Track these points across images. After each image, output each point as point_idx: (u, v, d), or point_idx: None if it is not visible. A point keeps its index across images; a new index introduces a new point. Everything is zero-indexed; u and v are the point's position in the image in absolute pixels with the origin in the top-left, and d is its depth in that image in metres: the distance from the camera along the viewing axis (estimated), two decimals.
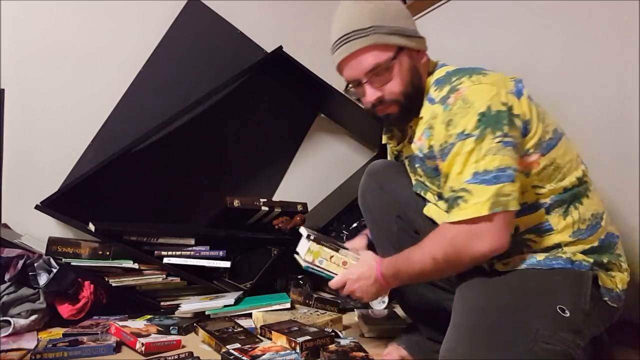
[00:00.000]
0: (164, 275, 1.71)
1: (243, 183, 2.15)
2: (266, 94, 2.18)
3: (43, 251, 1.61)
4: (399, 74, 1.10)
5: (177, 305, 1.66)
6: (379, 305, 1.71)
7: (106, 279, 1.63)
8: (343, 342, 1.36)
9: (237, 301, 1.67)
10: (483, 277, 1.05)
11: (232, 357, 1.22)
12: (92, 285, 1.60)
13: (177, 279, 1.73)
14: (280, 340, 1.34)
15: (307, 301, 1.72)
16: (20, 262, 1.52)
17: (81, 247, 1.64)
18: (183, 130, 1.99)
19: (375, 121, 1.21)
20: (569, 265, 1.03)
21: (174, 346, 1.35)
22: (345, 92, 1.20)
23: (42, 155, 1.86)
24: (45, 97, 1.87)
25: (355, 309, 1.70)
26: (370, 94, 1.11)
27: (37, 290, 1.52)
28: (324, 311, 1.65)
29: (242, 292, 1.76)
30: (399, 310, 1.63)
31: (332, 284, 1.16)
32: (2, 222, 1.56)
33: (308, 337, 1.30)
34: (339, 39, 1.11)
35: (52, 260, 1.55)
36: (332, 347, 1.30)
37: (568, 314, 0.96)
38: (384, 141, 1.35)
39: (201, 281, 1.77)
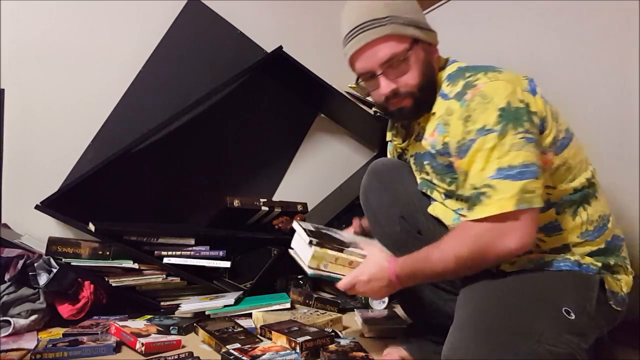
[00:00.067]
0: (164, 275, 1.71)
1: (243, 183, 2.15)
2: (266, 94, 2.18)
3: (43, 251, 1.60)
4: (414, 66, 1.08)
5: (177, 305, 1.66)
6: (379, 305, 1.71)
7: (106, 279, 1.63)
8: (343, 342, 1.36)
9: (237, 301, 1.67)
10: (489, 277, 1.03)
11: (232, 357, 1.22)
12: (92, 285, 1.60)
13: (177, 279, 1.73)
14: (280, 340, 1.34)
15: (307, 301, 1.72)
16: (20, 262, 1.52)
17: (81, 247, 1.64)
18: (183, 130, 1.99)
19: (383, 116, 1.20)
20: (577, 268, 1.03)
21: (174, 346, 1.35)
22: (356, 85, 1.18)
23: (42, 155, 1.86)
24: (45, 97, 1.87)
25: (355, 309, 1.70)
26: (385, 86, 1.09)
27: (37, 290, 1.52)
28: (324, 311, 1.65)
29: (242, 292, 1.76)
30: (399, 310, 1.63)
31: (341, 286, 1.10)
32: (2, 222, 1.57)
33: (308, 337, 1.30)
34: (353, 28, 1.08)
35: (52, 260, 1.55)
36: (332, 347, 1.30)
37: (573, 317, 0.96)
38: (388, 138, 1.33)
39: (201, 281, 1.77)
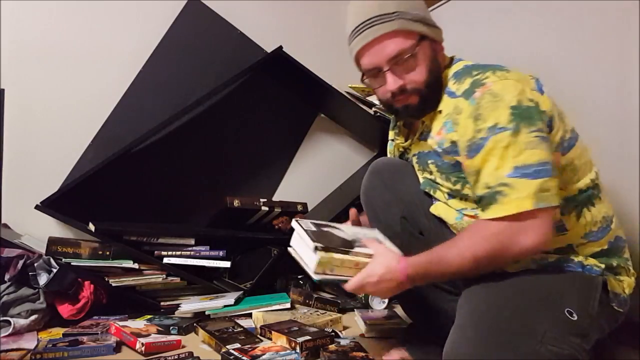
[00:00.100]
0: (164, 275, 1.71)
1: (243, 183, 2.15)
2: (266, 94, 2.18)
3: (43, 251, 1.60)
4: (422, 62, 1.07)
5: (177, 305, 1.66)
6: (379, 305, 1.71)
7: (106, 279, 1.63)
8: (343, 342, 1.36)
9: (237, 301, 1.67)
10: (491, 277, 1.03)
11: (232, 357, 1.22)
12: (92, 285, 1.60)
13: (177, 279, 1.73)
14: (280, 340, 1.34)
15: (307, 301, 1.72)
16: (20, 262, 1.52)
17: (81, 247, 1.64)
18: (183, 130, 1.99)
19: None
20: (580, 269, 1.03)
21: (174, 346, 1.35)
22: (361, 81, 1.16)
23: (42, 155, 1.86)
24: (45, 97, 1.86)
25: (355, 309, 1.70)
26: (392, 82, 1.08)
27: (37, 290, 1.52)
28: (324, 311, 1.65)
29: (242, 292, 1.76)
30: (399, 310, 1.63)
31: (349, 288, 1.07)
32: (2, 222, 1.56)
33: (308, 337, 1.30)
34: (360, 24, 1.07)
35: (52, 260, 1.55)
36: (332, 347, 1.30)
37: (576, 318, 0.96)
38: (390, 137, 1.33)
39: (201, 281, 1.77)
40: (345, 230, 1.18)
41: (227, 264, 1.77)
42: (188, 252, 1.75)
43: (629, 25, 1.34)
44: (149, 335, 1.39)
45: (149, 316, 1.60)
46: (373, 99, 2.05)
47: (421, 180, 1.21)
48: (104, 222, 1.69)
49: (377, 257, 1.05)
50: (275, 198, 2.17)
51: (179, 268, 1.73)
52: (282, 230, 1.93)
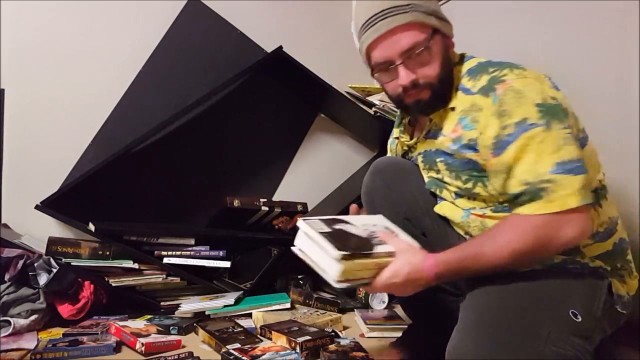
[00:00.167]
0: (164, 275, 1.71)
1: (243, 183, 2.15)
2: (266, 94, 2.18)
3: (43, 251, 1.61)
4: (435, 57, 1.05)
5: (177, 305, 1.66)
6: (379, 305, 1.71)
7: (106, 279, 1.63)
8: (343, 342, 1.36)
9: (237, 301, 1.67)
10: (496, 278, 1.02)
11: (232, 357, 1.22)
12: (92, 285, 1.60)
13: (177, 279, 1.73)
14: (280, 340, 1.34)
15: (307, 301, 1.72)
16: (20, 262, 1.52)
17: (81, 247, 1.64)
18: (183, 130, 1.99)
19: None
20: (586, 271, 1.03)
21: (174, 346, 1.35)
22: (371, 76, 1.14)
23: (42, 155, 1.86)
24: (45, 97, 1.86)
25: (355, 309, 1.70)
26: (405, 76, 1.05)
27: (37, 290, 1.52)
28: (324, 311, 1.65)
29: (242, 292, 1.76)
30: (399, 310, 1.63)
31: (373, 290, 1.02)
32: (2, 222, 1.56)
33: (308, 337, 1.30)
34: (373, 15, 1.05)
35: (52, 260, 1.55)
36: (332, 347, 1.30)
37: (580, 319, 0.95)
38: (395, 135, 1.31)
39: (201, 281, 1.77)
40: (355, 223, 1.10)
41: (227, 264, 1.77)
42: (188, 252, 1.75)
43: (629, 25, 1.34)
44: (149, 335, 1.39)
45: (149, 316, 1.60)
46: (373, 98, 2.05)
47: (426, 179, 1.20)
48: (104, 222, 1.69)
49: (400, 256, 1.00)
50: (275, 198, 2.17)
51: (179, 268, 1.73)
52: (282, 230, 1.93)
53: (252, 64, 1.96)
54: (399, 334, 1.39)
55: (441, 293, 1.24)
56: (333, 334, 1.40)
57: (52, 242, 1.62)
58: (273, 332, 1.38)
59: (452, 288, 1.22)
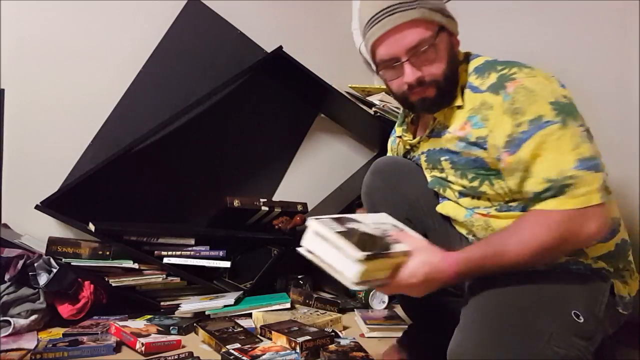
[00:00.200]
0: (164, 275, 1.71)
1: (243, 183, 2.15)
2: (266, 94, 2.18)
3: (43, 251, 1.60)
4: (441, 54, 1.04)
5: (177, 305, 1.66)
6: (379, 305, 1.71)
7: (106, 279, 1.63)
8: (343, 342, 1.36)
9: (237, 301, 1.67)
10: (498, 278, 1.01)
11: (232, 357, 1.22)
12: (92, 285, 1.60)
13: (177, 279, 1.73)
14: (280, 340, 1.34)
15: (307, 301, 1.72)
16: (20, 262, 1.52)
17: (81, 247, 1.64)
18: (183, 130, 1.99)
19: (402, 105, 1.13)
20: (589, 272, 1.02)
21: (174, 346, 1.35)
22: (376, 73, 1.12)
23: (42, 155, 1.85)
24: (45, 97, 1.86)
25: (355, 309, 1.70)
26: (410, 74, 1.04)
27: (37, 290, 1.52)
28: (324, 311, 1.65)
29: (242, 292, 1.76)
30: (399, 310, 1.63)
31: (390, 291, 0.98)
32: (2, 222, 1.56)
33: (308, 337, 1.30)
34: (379, 11, 1.03)
35: (52, 260, 1.55)
36: (332, 347, 1.30)
37: (582, 320, 0.95)
38: (397, 133, 1.29)
39: (201, 281, 1.77)
40: (365, 222, 1.06)
41: (227, 264, 1.77)
42: (188, 252, 1.75)
43: (629, 24, 1.34)
44: (149, 335, 1.39)
45: (149, 316, 1.60)
46: (373, 98, 2.05)
47: (429, 178, 1.19)
48: (104, 222, 1.69)
49: (417, 255, 0.95)
50: (275, 198, 2.17)
51: (179, 268, 1.73)
52: (282, 230, 1.93)
53: (252, 64, 1.96)
54: (399, 334, 1.39)
55: (441, 293, 1.23)
56: (333, 334, 1.40)
57: (52, 242, 1.62)
58: (273, 332, 1.38)
59: (452, 288, 1.21)
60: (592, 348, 0.97)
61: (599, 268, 1.03)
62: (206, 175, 2.09)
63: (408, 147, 1.25)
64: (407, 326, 1.46)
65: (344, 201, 2.02)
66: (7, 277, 1.51)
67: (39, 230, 1.75)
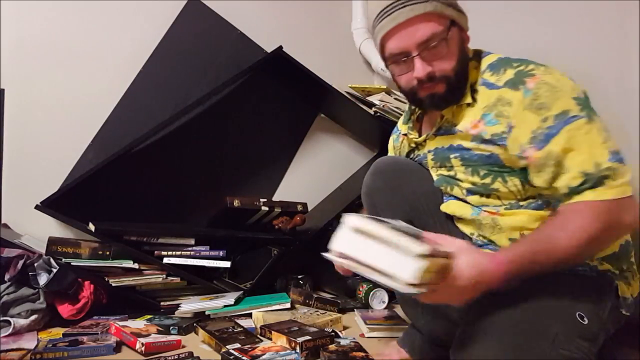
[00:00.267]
0: (164, 275, 1.71)
1: (243, 183, 2.15)
2: (266, 94, 2.18)
3: (43, 251, 1.60)
4: (452, 49, 1.02)
5: (177, 305, 1.66)
6: (379, 305, 1.71)
7: (106, 279, 1.63)
8: (343, 342, 1.36)
9: (237, 301, 1.67)
10: None
11: (232, 357, 1.22)
12: (92, 285, 1.60)
13: (177, 279, 1.73)
14: (280, 340, 1.34)
15: (307, 301, 1.72)
16: (20, 262, 1.52)
17: (81, 247, 1.64)
18: (183, 130, 1.99)
19: (410, 101, 1.11)
20: (595, 274, 1.02)
21: (174, 346, 1.35)
22: (385, 67, 1.10)
23: (42, 155, 1.85)
24: (45, 97, 1.86)
25: (355, 309, 1.70)
26: (421, 69, 1.01)
27: (37, 290, 1.52)
28: (324, 311, 1.65)
29: (242, 292, 1.76)
30: (399, 310, 1.63)
31: (438, 299, 0.89)
32: (2, 222, 1.56)
33: (308, 337, 1.30)
34: (391, 3, 1.01)
35: (52, 260, 1.55)
36: (332, 347, 1.30)
37: (586, 322, 0.95)
38: (403, 131, 1.27)
39: (201, 281, 1.77)
40: (395, 223, 0.97)
41: (227, 264, 1.77)
42: (188, 252, 1.75)
43: (629, 25, 1.34)
44: (149, 335, 1.39)
45: (149, 316, 1.60)
46: (373, 98, 2.05)
47: (435, 177, 1.18)
48: (104, 222, 1.69)
49: (462, 256, 0.87)
50: (275, 198, 2.17)
51: (179, 268, 1.73)
52: (282, 230, 1.93)
53: (252, 64, 1.96)
54: (399, 334, 1.39)
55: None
56: (333, 334, 1.40)
57: (52, 242, 1.62)
58: (273, 332, 1.38)
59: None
60: (595, 349, 0.97)
61: (604, 270, 1.03)
62: (206, 175, 2.09)
63: (413, 145, 1.24)
64: (407, 326, 1.46)
65: (344, 201, 2.02)
66: (7, 277, 1.51)
67: (39, 230, 1.75)
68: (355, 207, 1.93)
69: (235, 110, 2.12)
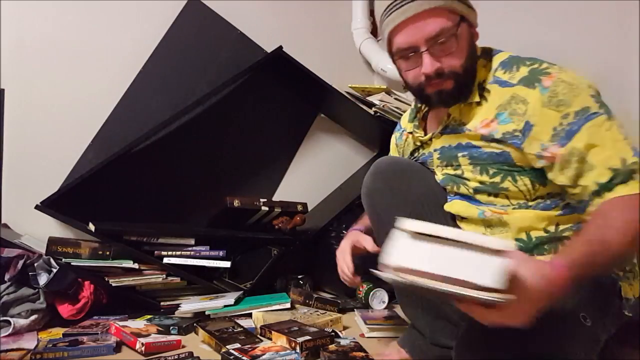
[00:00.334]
0: (164, 275, 1.71)
1: (243, 183, 2.15)
2: (266, 94, 2.18)
3: (43, 251, 1.60)
4: (462, 45, 1.01)
5: (177, 305, 1.66)
6: (379, 305, 1.71)
7: (106, 279, 1.63)
8: (343, 342, 1.36)
9: (237, 301, 1.67)
10: None
11: (232, 357, 1.22)
12: (92, 285, 1.60)
13: (177, 279, 1.73)
14: (280, 340, 1.34)
15: (307, 301, 1.72)
16: (20, 262, 1.52)
17: (81, 247, 1.64)
18: (183, 130, 1.99)
19: (417, 98, 1.09)
20: (599, 276, 1.02)
21: (174, 346, 1.35)
22: (393, 62, 1.09)
23: (42, 155, 1.85)
24: (45, 97, 1.86)
25: (355, 309, 1.70)
26: (429, 64, 1.00)
27: (37, 290, 1.52)
28: (324, 311, 1.65)
29: (242, 292, 1.76)
30: (399, 310, 1.63)
31: (501, 319, 0.78)
32: (2, 222, 1.57)
33: (308, 337, 1.30)
34: None
35: (52, 260, 1.55)
36: (332, 347, 1.30)
37: (590, 323, 0.94)
38: (408, 130, 1.26)
39: (201, 281, 1.77)
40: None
41: (227, 264, 1.77)
42: (188, 252, 1.75)
43: (629, 25, 1.34)
44: (149, 335, 1.39)
45: (149, 316, 1.60)
46: (373, 98, 2.05)
47: (441, 176, 1.17)
48: (104, 222, 1.69)
49: (521, 265, 0.77)
50: (275, 198, 2.17)
51: (179, 268, 1.73)
52: (282, 230, 1.93)
53: (252, 64, 1.96)
54: (399, 334, 1.39)
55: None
56: (333, 334, 1.40)
57: (52, 242, 1.62)
58: (273, 332, 1.38)
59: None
60: (597, 350, 0.97)
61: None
62: (206, 175, 2.09)
63: (418, 143, 1.22)
64: (407, 326, 1.46)
65: (344, 201, 2.02)
66: (7, 277, 1.51)
67: (39, 230, 1.75)
68: (355, 207, 1.93)
69: (235, 110, 2.12)
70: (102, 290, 1.65)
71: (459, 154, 1.10)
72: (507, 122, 1.00)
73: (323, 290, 1.94)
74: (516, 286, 0.74)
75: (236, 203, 1.87)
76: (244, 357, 1.21)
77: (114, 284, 1.64)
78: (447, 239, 0.71)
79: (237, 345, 1.29)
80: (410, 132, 1.25)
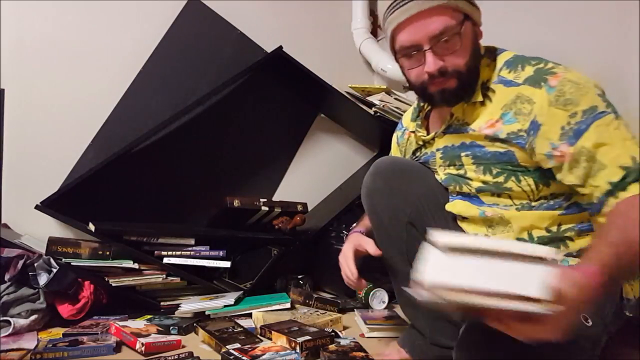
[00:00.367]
0: (164, 275, 1.71)
1: (243, 183, 2.15)
2: (266, 94, 2.18)
3: (43, 251, 1.60)
4: (465, 44, 1.00)
5: (177, 305, 1.66)
6: (379, 305, 1.71)
7: (106, 279, 1.63)
8: (343, 342, 1.36)
9: (237, 301, 1.67)
10: None
11: (232, 357, 1.22)
12: (92, 285, 1.60)
13: (177, 279, 1.73)
14: (280, 340, 1.34)
15: (307, 301, 1.72)
16: (20, 262, 1.52)
17: (81, 247, 1.64)
18: (183, 130, 1.99)
19: (419, 96, 1.09)
20: None
21: (174, 346, 1.35)
22: (395, 60, 1.08)
23: (42, 155, 1.85)
24: (45, 97, 1.86)
25: (355, 309, 1.70)
26: (432, 63, 0.99)
27: (37, 290, 1.52)
28: (324, 311, 1.65)
29: (242, 292, 1.76)
30: (399, 310, 1.63)
31: (555, 334, 0.75)
32: (2, 222, 1.56)
33: (308, 337, 1.30)
34: None
35: (52, 260, 1.55)
36: (332, 347, 1.30)
37: (590, 324, 0.94)
38: (411, 129, 1.25)
39: (201, 281, 1.77)
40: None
41: (227, 264, 1.77)
42: (188, 252, 1.75)
43: (629, 25, 1.34)
44: (149, 335, 1.39)
45: (149, 316, 1.60)
46: (373, 98, 2.05)
47: (443, 176, 1.16)
48: (104, 222, 1.69)
49: (560, 275, 0.74)
50: (275, 198, 2.17)
51: (179, 268, 1.73)
52: (282, 230, 1.93)
53: (252, 64, 1.96)
54: (399, 334, 1.39)
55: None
56: (333, 334, 1.40)
57: (52, 242, 1.62)
58: (273, 332, 1.38)
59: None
60: (597, 351, 0.97)
61: None
62: (206, 175, 2.09)
63: (420, 142, 1.22)
64: (407, 326, 1.45)
65: (344, 201, 2.02)
66: (7, 277, 1.51)
67: (39, 230, 1.75)
68: (355, 207, 1.93)
69: (235, 110, 2.12)
70: (102, 290, 1.65)
71: (462, 154, 1.09)
72: (512, 122, 1.00)
73: (323, 290, 1.94)
74: (556, 296, 0.71)
75: (236, 203, 1.87)
76: (244, 357, 1.21)
77: (114, 284, 1.64)
78: (482, 250, 0.68)
79: (237, 345, 1.29)
80: (413, 131, 1.24)
